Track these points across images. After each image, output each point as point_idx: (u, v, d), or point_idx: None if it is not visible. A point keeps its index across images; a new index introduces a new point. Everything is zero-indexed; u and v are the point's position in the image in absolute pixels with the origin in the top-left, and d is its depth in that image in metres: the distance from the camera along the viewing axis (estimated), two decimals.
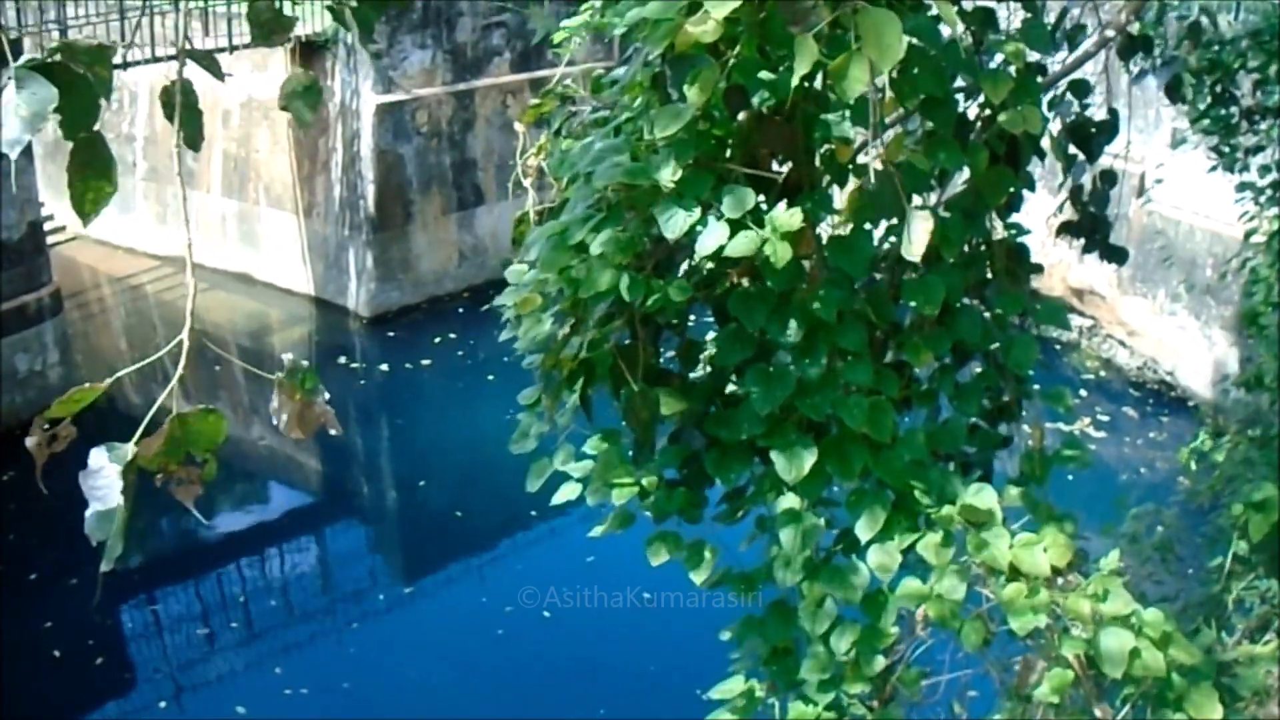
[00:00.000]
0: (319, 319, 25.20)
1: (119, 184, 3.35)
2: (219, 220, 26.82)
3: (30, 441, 3.32)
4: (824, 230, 4.63)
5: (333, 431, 3.53)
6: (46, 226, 22.72)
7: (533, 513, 17.24)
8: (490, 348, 21.63)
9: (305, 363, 3.59)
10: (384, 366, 23.16)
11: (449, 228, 24.87)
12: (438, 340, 23.53)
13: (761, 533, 4.79)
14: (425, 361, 22.95)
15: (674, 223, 4.25)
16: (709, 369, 4.88)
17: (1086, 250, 6.20)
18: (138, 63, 21.12)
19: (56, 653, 16.01)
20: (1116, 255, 6.15)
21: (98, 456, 3.16)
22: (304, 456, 21.85)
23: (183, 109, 3.36)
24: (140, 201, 28.78)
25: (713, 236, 4.25)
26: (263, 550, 18.31)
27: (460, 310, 24.46)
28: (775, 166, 4.59)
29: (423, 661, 14.86)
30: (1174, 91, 8.86)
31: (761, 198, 4.34)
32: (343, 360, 23.49)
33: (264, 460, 21.62)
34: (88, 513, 3.10)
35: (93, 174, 3.27)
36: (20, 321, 21.07)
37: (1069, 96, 5.74)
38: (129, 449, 3.15)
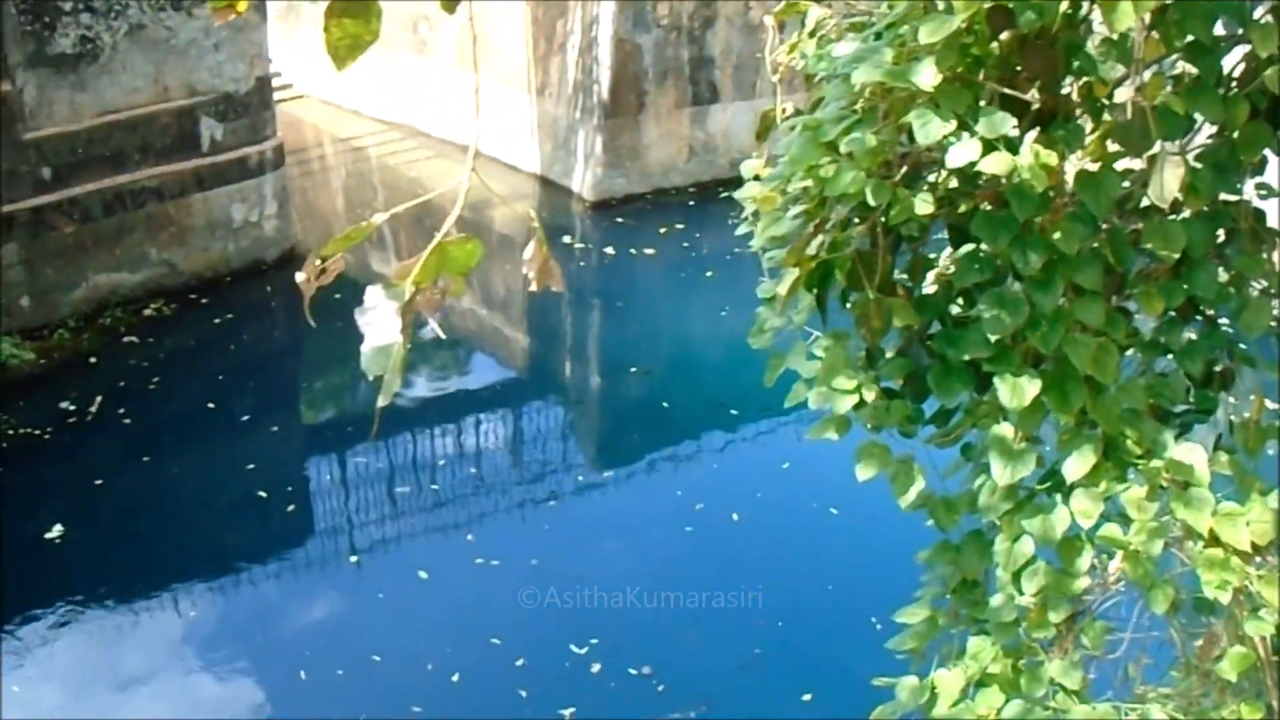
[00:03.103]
0: (543, 198, 25.37)
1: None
2: (450, 92, 27.08)
3: (300, 276, 3.38)
4: (1070, 163, 4.52)
5: (556, 288, 3.56)
6: (274, 83, 23.07)
7: (733, 411, 17.25)
8: (713, 244, 21.70)
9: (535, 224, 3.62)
10: (609, 250, 23.26)
11: (681, 122, 24.82)
12: (662, 230, 23.56)
13: (966, 460, 4.74)
14: (649, 250, 23.00)
15: (929, 129, 4.18)
16: (939, 287, 4.81)
17: None
18: None
19: (261, 493, 16.47)
20: None
21: (373, 294, 3.21)
22: (515, 331, 22.10)
23: None
24: (369, 65, 29.15)
25: (965, 151, 4.18)
26: (463, 419, 18.55)
27: (687, 204, 24.45)
28: (1031, 93, 4.49)
29: (610, 548, 15.02)
30: None
31: (1014, 122, 4.25)
32: (566, 240, 23.65)
33: (475, 331, 21.90)
34: (363, 348, 3.16)
35: (352, 19, 3.26)
36: (241, 172, 21.55)
37: None
38: (406, 287, 3.20)
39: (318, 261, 3.36)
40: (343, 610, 14.56)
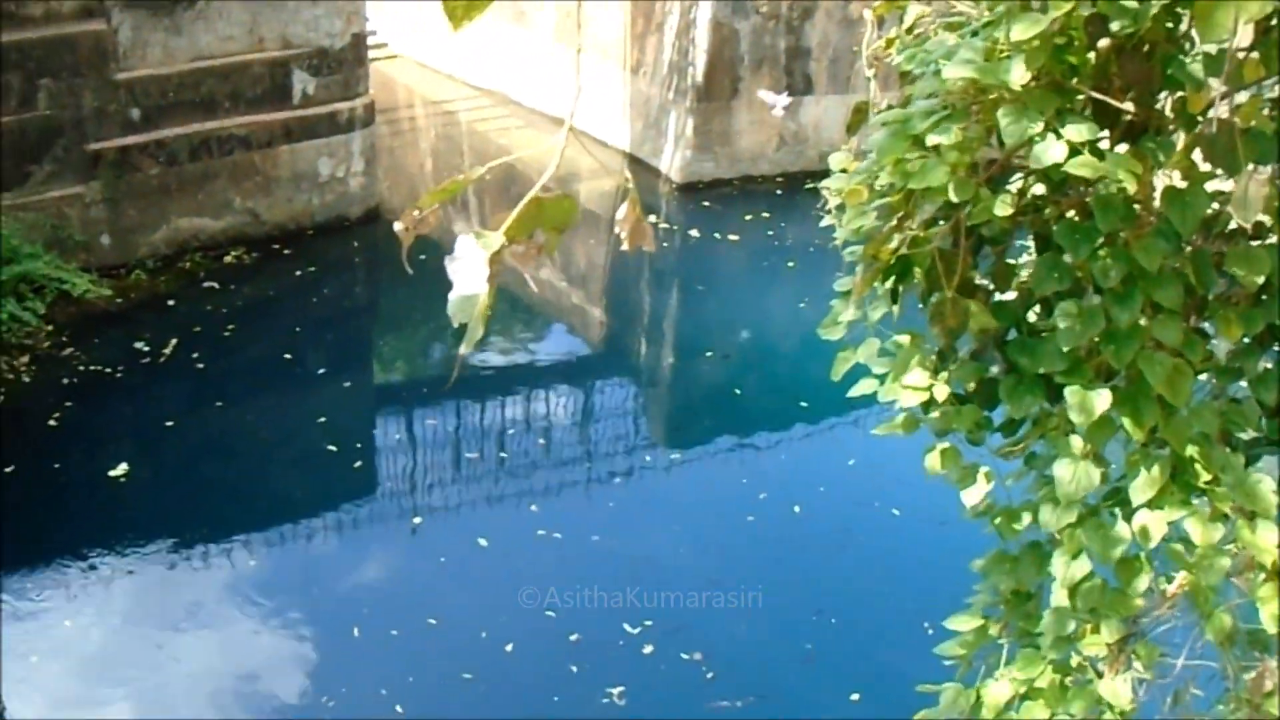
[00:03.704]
0: (630, 175, 25.31)
1: None
2: (544, 63, 27.10)
3: (398, 225, 3.44)
4: (1159, 179, 4.46)
5: (647, 248, 3.59)
6: (370, 41, 23.15)
7: (803, 403, 17.19)
8: (797, 235, 21.64)
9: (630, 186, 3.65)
10: (694, 232, 23.21)
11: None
12: (748, 218, 23.49)
13: (1030, 470, 4.70)
14: (733, 236, 22.93)
15: (1014, 128, 4.14)
16: (1018, 294, 4.77)
17: None
18: None
19: (331, 447, 16.57)
20: None
21: (465, 243, 3.23)
22: (594, 306, 22.11)
23: None
24: (467, 30, 29.22)
25: (1051, 151, 4.12)
26: (536, 389, 18.60)
27: (773, 193, 24.38)
28: (1125, 104, 4.43)
29: (671, 530, 14.97)
30: None
31: (1105, 133, 4.20)
32: (651, 219, 23.52)
33: (555, 303, 21.92)
34: (451, 295, 3.18)
35: None
36: (330, 127, 21.66)
37: None
38: (498, 237, 3.22)
39: (416, 211, 3.39)
40: (401, 571, 14.62)
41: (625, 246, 3.63)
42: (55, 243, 19.24)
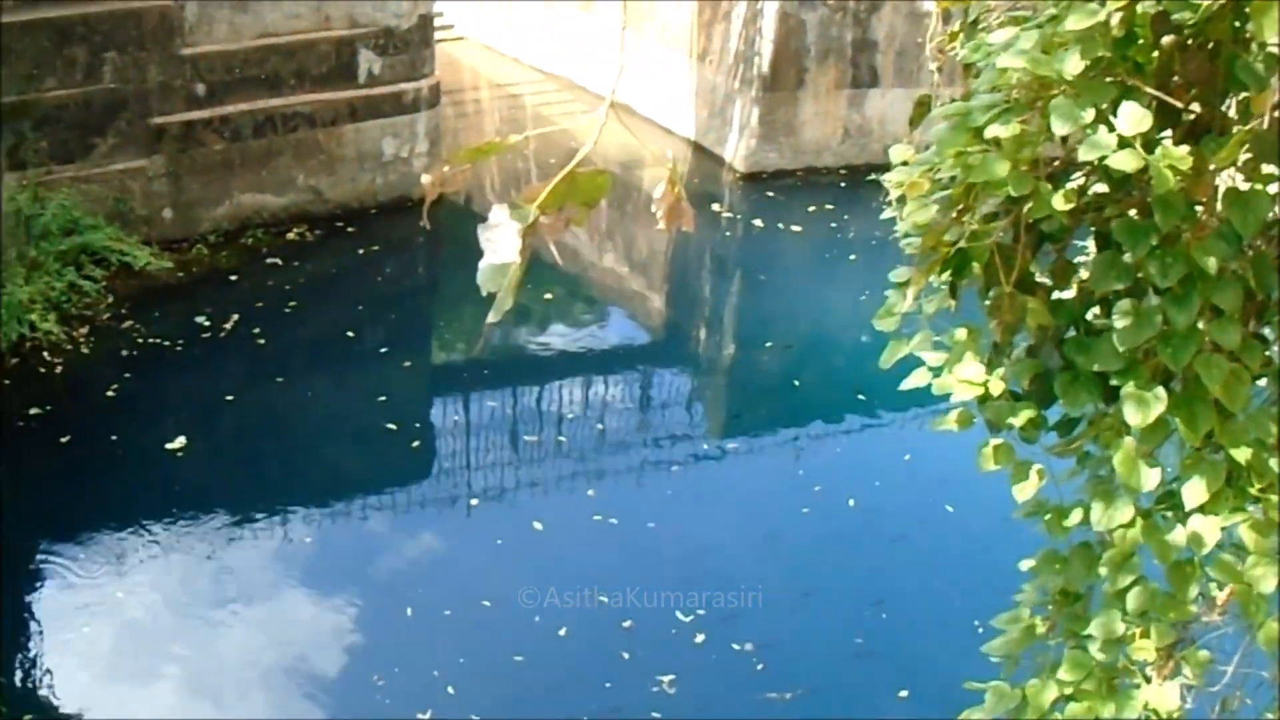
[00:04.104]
0: (693, 163, 25.32)
1: None
2: (611, 49, 27.07)
3: (426, 178, 3.46)
4: (1223, 181, 4.41)
5: (686, 228, 3.57)
6: (436, 22, 23.21)
7: (861, 396, 17.14)
8: (860, 228, 21.57)
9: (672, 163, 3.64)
10: (757, 222, 23.16)
11: (839, 102, 24.63)
12: (811, 209, 23.40)
13: (1083, 469, 4.66)
14: (796, 227, 22.85)
15: (1065, 119, 4.10)
16: (1076, 292, 4.73)
17: None
18: None
19: (390, 425, 16.64)
20: None
21: (498, 213, 3.24)
22: (655, 293, 22.11)
23: None
24: (533, 14, 29.25)
25: (1100, 143, 4.08)
26: (595, 375, 18.60)
27: (837, 185, 24.30)
28: (1187, 103, 4.38)
29: (726, 520, 14.95)
30: None
31: (1167, 133, 4.16)
32: (715, 208, 23.57)
33: (615, 289, 21.94)
34: (481, 263, 3.20)
35: None
36: (395, 107, 21.75)
37: None
38: (531, 210, 3.24)
39: (446, 168, 3.41)
40: (456, 552, 14.64)
41: (662, 226, 3.62)
42: (117, 215, 19.38)
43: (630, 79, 26.34)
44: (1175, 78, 4.31)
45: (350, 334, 19.03)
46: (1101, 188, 4.49)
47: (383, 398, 17.31)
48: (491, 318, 3.29)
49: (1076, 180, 4.53)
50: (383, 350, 18.97)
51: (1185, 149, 4.08)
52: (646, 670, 12.42)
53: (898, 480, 15.54)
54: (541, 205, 3.32)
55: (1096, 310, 4.64)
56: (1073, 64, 4.08)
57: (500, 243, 3.28)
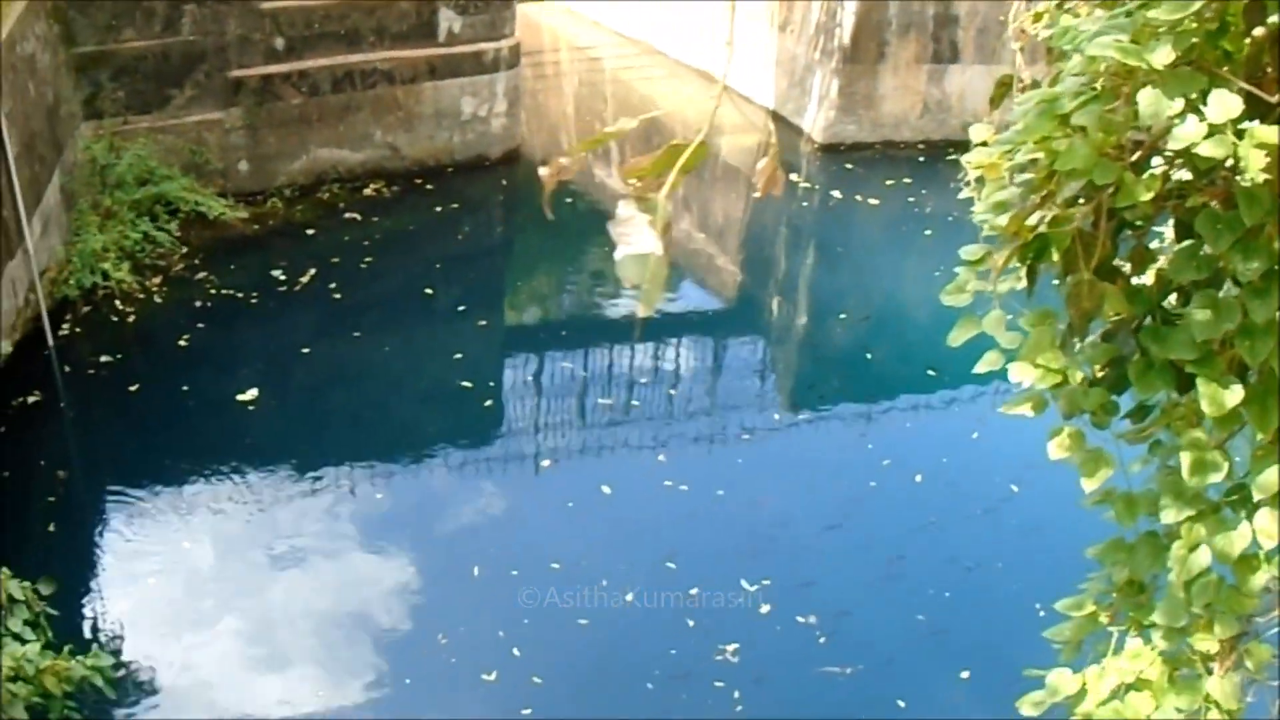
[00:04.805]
0: (774, 131, 25.26)
1: None
2: (691, 16, 27.03)
3: (544, 170, 3.50)
4: None
5: (775, 193, 3.63)
6: None
7: (931, 372, 17.09)
8: (936, 204, 21.46)
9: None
10: (835, 193, 23.09)
11: (918, 77, 24.49)
12: (889, 183, 23.33)
13: (1153, 458, 4.63)
14: (873, 200, 22.78)
15: (1152, 108, 4.06)
16: (1155, 280, 4.69)
17: None
18: None
19: (465, 384, 16.73)
20: None
21: (626, 207, 3.27)
22: (729, 260, 22.08)
23: None
24: None
25: (1188, 131, 4.05)
26: (668, 340, 18.61)
27: (915, 160, 24.18)
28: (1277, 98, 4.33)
29: (795, 490, 14.99)
30: None
31: (1257, 123, 4.11)
32: (793, 178, 23.54)
33: (692, 256, 21.92)
34: (617, 255, 3.24)
35: None
36: (475, 66, 21.82)
37: None
38: (661, 202, 3.29)
39: (564, 159, 3.44)
40: (526, 512, 14.75)
41: (758, 194, 3.66)
42: (192, 167, 19.55)
43: (711, 47, 26.31)
44: (1267, 70, 4.27)
45: (428, 291, 19.11)
46: (1185, 175, 4.46)
47: (458, 355, 17.40)
48: (642, 311, 3.35)
49: (1159, 167, 4.49)
50: (460, 309, 19.02)
51: (1276, 130, 4.04)
52: (711, 638, 12.46)
53: (965, 458, 15.50)
54: (642, 174, 3.36)
55: (1173, 299, 4.60)
56: (1163, 55, 4.04)
57: (634, 235, 3.31)
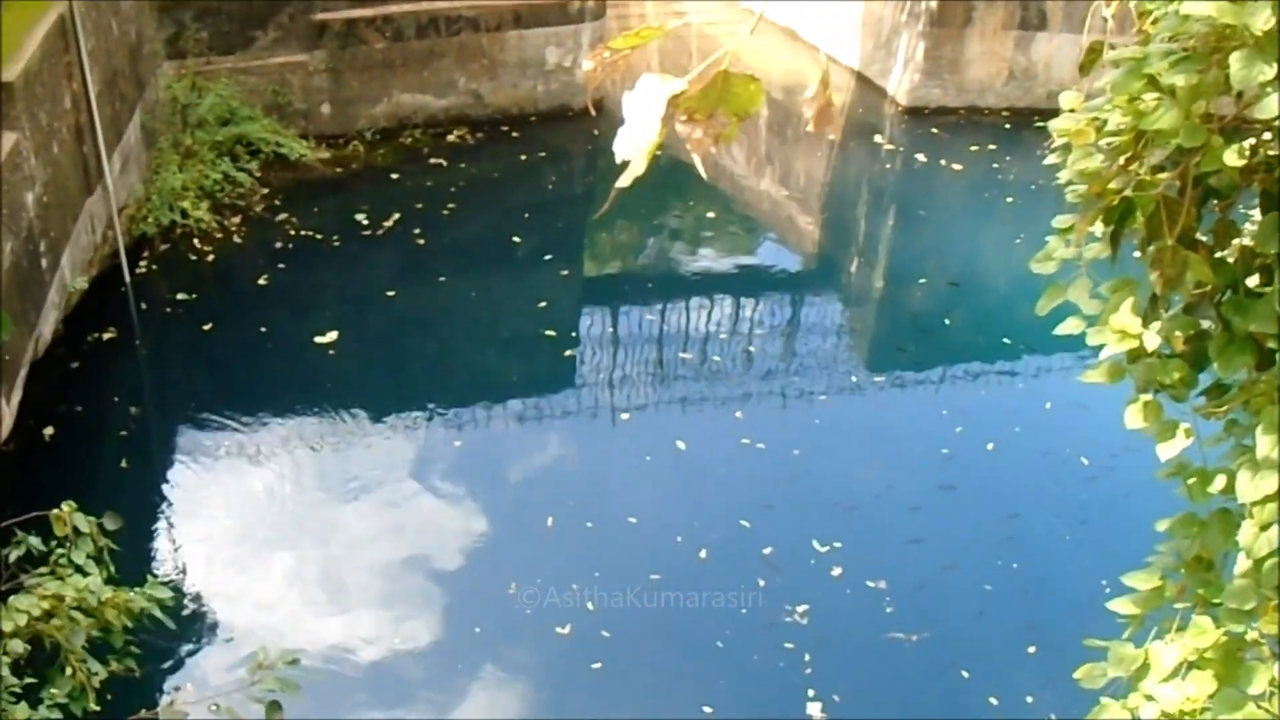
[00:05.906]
0: (855, 93, 25.12)
1: None
2: None
3: (587, 64, 3.45)
4: None
5: (832, 136, 3.58)
6: None
7: (1007, 340, 16.96)
8: (1020, 171, 21.27)
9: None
10: (919, 157, 22.94)
11: (1005, 43, 24.23)
12: (973, 148, 23.12)
13: (1229, 435, 4.57)
14: (956, 166, 22.59)
15: (1244, 73, 3.97)
16: (1238, 254, 4.62)
17: None
18: None
19: (549, 332, 16.81)
20: None
21: (648, 80, 3.24)
22: (810, 220, 21.97)
23: None
24: None
25: (1276, 101, 3.97)
26: (747, 299, 18.57)
27: (1000, 126, 23.95)
28: None
29: (868, 454, 14.96)
30: None
31: None
32: (876, 139, 23.48)
33: (771, 214, 21.85)
34: (621, 129, 3.20)
35: None
36: (561, 16, 21.80)
37: None
38: (682, 84, 3.23)
39: (607, 53, 3.39)
40: (603, 465, 14.81)
41: (810, 128, 3.58)
42: (274, 108, 19.64)
43: (799, 6, 26.12)
44: None
45: (515, 239, 19.12)
46: (1275, 150, 4.38)
47: (542, 304, 17.42)
48: (621, 182, 3.28)
49: (1249, 141, 4.42)
50: (545, 257, 19.03)
51: None
52: (781, 598, 12.44)
53: (1037, 428, 15.37)
54: (692, 104, 3.30)
55: (1257, 278, 4.53)
56: (1263, 18, 3.96)
57: (643, 110, 3.26)
